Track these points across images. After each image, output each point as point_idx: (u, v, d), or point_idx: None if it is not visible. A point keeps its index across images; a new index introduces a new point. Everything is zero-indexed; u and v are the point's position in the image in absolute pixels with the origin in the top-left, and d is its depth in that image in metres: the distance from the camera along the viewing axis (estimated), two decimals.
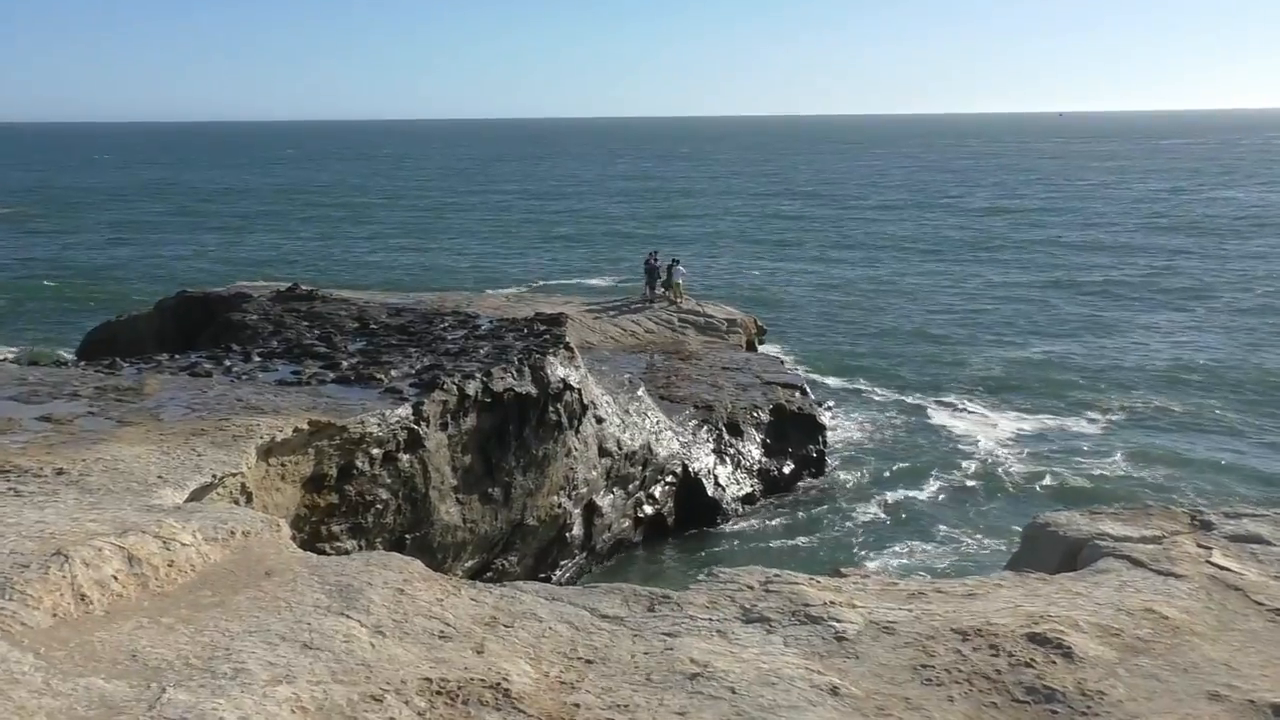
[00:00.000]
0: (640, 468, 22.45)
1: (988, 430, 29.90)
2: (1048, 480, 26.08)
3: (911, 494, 25.23)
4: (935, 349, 39.72)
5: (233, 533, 8.43)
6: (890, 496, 25.04)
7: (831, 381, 34.98)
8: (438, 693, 6.03)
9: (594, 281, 53.50)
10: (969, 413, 31.70)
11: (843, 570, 8.51)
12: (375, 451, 15.76)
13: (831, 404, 31.61)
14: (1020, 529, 10.52)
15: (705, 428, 25.00)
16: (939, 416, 31.29)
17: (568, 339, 21.47)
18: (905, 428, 30.19)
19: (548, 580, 18.80)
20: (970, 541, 22.51)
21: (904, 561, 21.46)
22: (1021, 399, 32.98)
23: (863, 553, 21.93)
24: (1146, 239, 68.20)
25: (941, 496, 25.14)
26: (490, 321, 23.85)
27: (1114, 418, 30.98)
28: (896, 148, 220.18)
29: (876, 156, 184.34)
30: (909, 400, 33.00)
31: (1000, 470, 26.76)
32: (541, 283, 51.86)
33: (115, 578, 7.33)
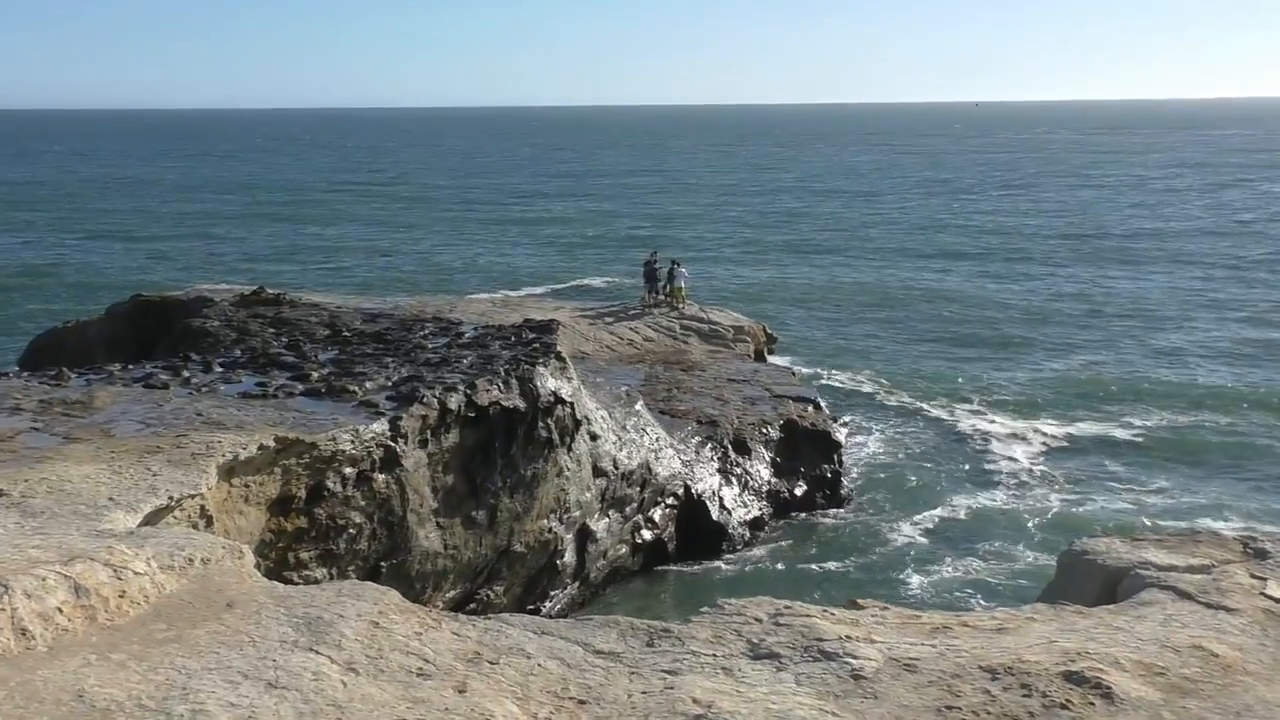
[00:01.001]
0: (638, 489, 22.41)
1: (1018, 446, 29.91)
2: (1084, 501, 26.05)
3: (935, 517, 25.20)
4: (960, 358, 39.80)
5: (191, 560, 8.41)
6: (911, 520, 25.00)
7: (848, 395, 35.02)
8: None
9: (588, 284, 53.58)
10: (997, 427, 31.73)
11: (860, 602, 8.49)
12: (348, 471, 15.74)
13: (848, 419, 31.63)
14: (1055, 556, 10.51)
15: (709, 445, 24.96)
16: (965, 431, 31.32)
17: (559, 348, 21.46)
18: (928, 444, 30.21)
19: (536, 612, 18.76)
20: (1000, 570, 22.46)
21: (927, 592, 21.42)
22: (1054, 411, 33.00)
23: (882, 582, 21.86)
24: (1194, 244, 68.34)
25: (968, 520, 25.11)
26: (474, 329, 23.85)
27: (1157, 432, 30.98)
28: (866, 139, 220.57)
29: (863, 149, 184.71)
30: (932, 414, 33.04)
31: (1032, 490, 26.74)
32: (527, 290, 51.80)
33: (60, 610, 7.29)
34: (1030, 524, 24.79)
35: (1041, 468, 28.20)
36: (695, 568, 22.85)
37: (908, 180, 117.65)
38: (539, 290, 50.20)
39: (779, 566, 22.81)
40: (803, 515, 25.26)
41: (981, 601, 20.37)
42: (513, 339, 22.11)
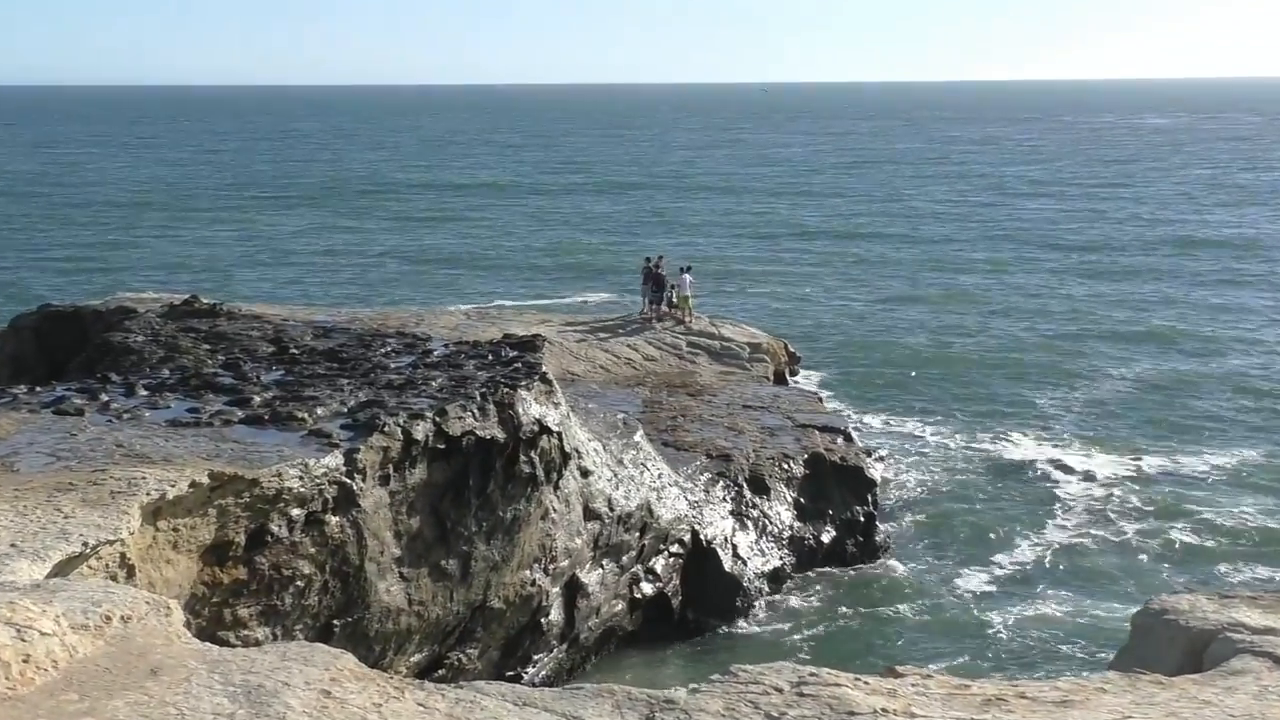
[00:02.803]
0: (637, 535, 22.37)
1: (1082, 482, 29.96)
2: (1163, 549, 26.05)
3: (986, 568, 25.16)
4: (1011, 377, 39.91)
5: (109, 618, 8.37)
6: (959, 571, 24.97)
7: (883, 422, 35.06)
8: None
9: (580, 296, 53.67)
10: (1055, 456, 31.82)
11: (898, 668, 8.45)
12: (295, 512, 15.72)
13: (884, 452, 31.65)
14: (1129, 615, 10.48)
15: (721, 484, 24.94)
16: (1019, 465, 31.38)
17: (545, 368, 21.47)
18: (977, 482, 30.23)
19: (517, 679, 18.67)
20: (1063, 631, 22.40)
21: (977, 657, 21.36)
22: (1122, 442, 33.09)
23: (923, 645, 21.81)
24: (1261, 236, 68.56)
25: (1025, 571, 25.07)
26: (445, 345, 23.87)
27: (1246, 467, 30.98)
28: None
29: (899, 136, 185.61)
30: (980, 444, 33.12)
31: (1100, 536, 26.72)
32: (499, 302, 51.86)
33: None
34: (1099, 576, 24.74)
35: (1110, 509, 28.20)
36: (704, 627, 22.76)
37: (936, 172, 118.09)
38: (521, 300, 50.32)
39: (802, 626, 22.74)
40: (831, 566, 25.20)
41: (1042, 669, 20.29)
42: (490, 358, 22.12)
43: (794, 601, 23.82)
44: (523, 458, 19.33)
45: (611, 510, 21.69)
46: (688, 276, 35.63)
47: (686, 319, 35.07)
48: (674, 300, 35.45)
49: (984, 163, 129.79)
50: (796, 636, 22.25)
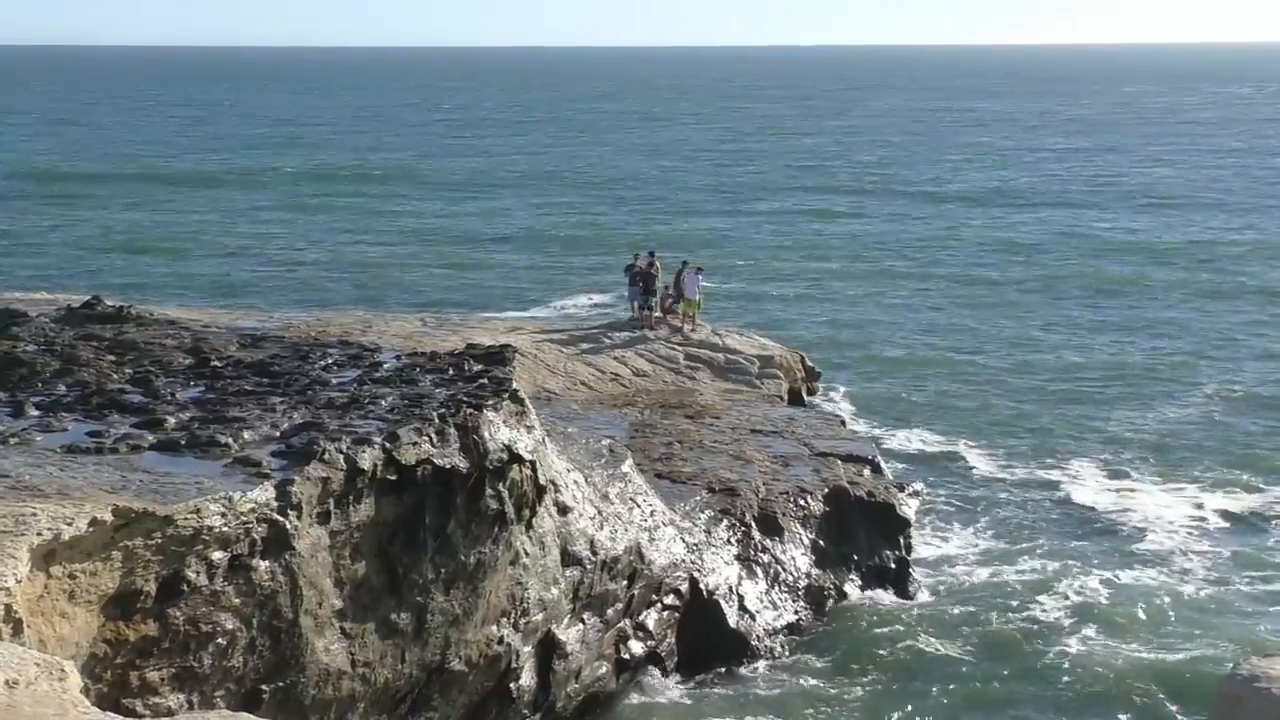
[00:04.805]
0: (625, 584, 22.30)
1: (1155, 521, 30.00)
2: (1253, 603, 26.05)
3: (1040, 621, 25.12)
4: (1069, 399, 39.94)
5: None
6: (1007, 625, 24.92)
7: (918, 451, 35.07)
8: None
9: (559, 300, 53.70)
10: (1122, 490, 31.85)
11: None
12: (217, 556, 15.63)
13: (919, 486, 31.61)
14: (1214, 677, 10.48)
15: (725, 523, 24.88)
16: (1081, 501, 31.39)
17: (516, 385, 21.43)
18: (1030, 520, 30.22)
19: None
20: (1136, 699, 22.40)
21: None
22: (1205, 474, 33.14)
23: (966, 716, 21.76)
24: None
25: (1086, 626, 25.02)
26: (397, 357, 23.81)
27: None
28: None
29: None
30: (1031, 473, 33.11)
31: (1176, 585, 26.73)
32: (461, 306, 51.94)
33: None
34: (1176, 633, 24.71)
35: (1190, 553, 28.23)
36: (705, 690, 22.69)
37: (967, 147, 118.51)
38: (488, 304, 50.34)
39: (822, 690, 22.67)
40: (856, 619, 25.12)
41: None
42: (450, 372, 22.05)
43: (811, 659, 23.68)
44: (489, 491, 19.26)
45: (594, 554, 21.61)
46: (699, 276, 35.43)
47: (687, 326, 34.97)
48: (674, 304, 35.18)
49: (1019, 144, 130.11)
50: (813, 701, 22.15)
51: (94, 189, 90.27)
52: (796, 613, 24.61)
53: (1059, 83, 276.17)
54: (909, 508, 28.20)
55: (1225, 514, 30.37)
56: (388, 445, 17.95)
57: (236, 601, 15.99)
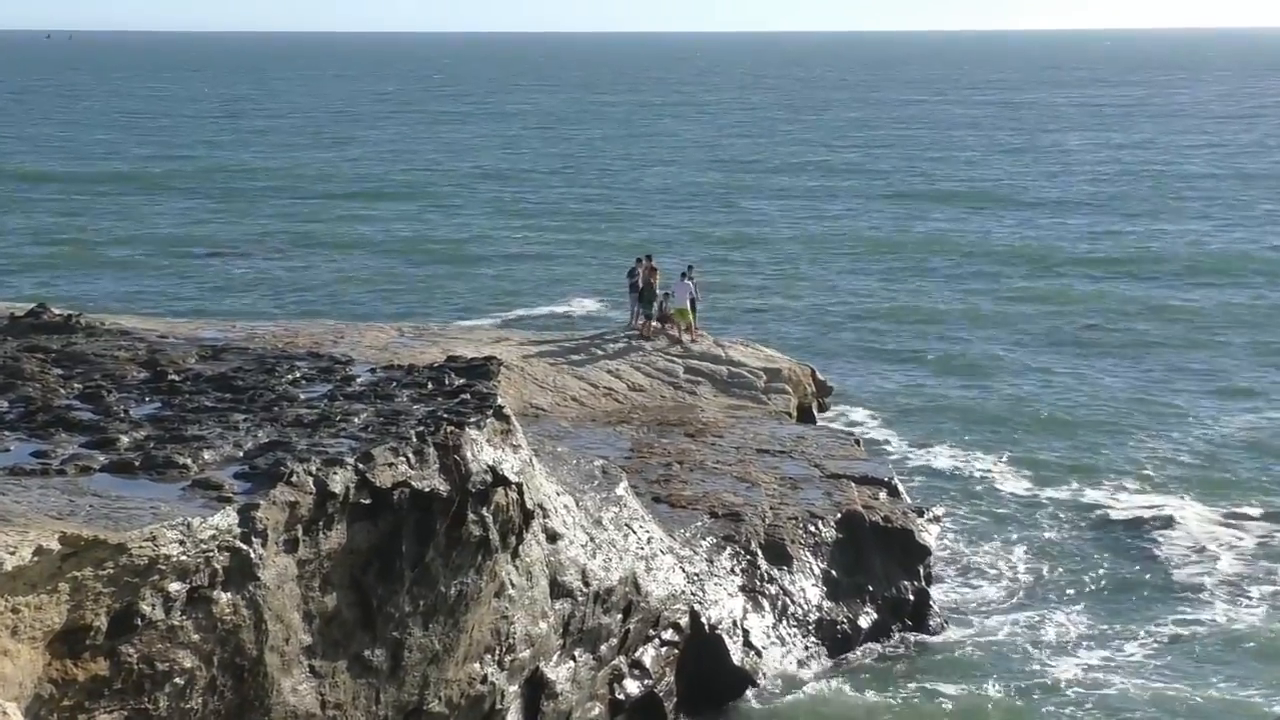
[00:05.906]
0: (620, 617, 22.29)
1: (1206, 547, 30.06)
2: None
3: (1076, 660, 25.11)
4: (1106, 416, 39.94)
5: None
6: (1040, 664, 24.91)
7: (939, 472, 35.14)
8: None
9: (547, 307, 53.70)
10: (1162, 514, 31.83)
11: None
12: (174, 588, 15.59)
13: (940, 511, 31.67)
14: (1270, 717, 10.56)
15: (729, 551, 24.87)
16: (1121, 525, 31.45)
17: (501, 401, 21.44)
18: (1063, 548, 30.26)
19: None
20: None
21: None
22: (1245, 490, 33.34)
23: None
24: None
25: (1124, 662, 25.05)
26: (371, 371, 23.80)
27: None
28: None
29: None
30: (1064, 495, 33.21)
31: (1220, 615, 26.83)
32: (441, 315, 51.94)
33: None
34: (1223, 672, 24.69)
35: (1235, 584, 28.25)
36: None
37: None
38: (472, 312, 50.34)
39: None
40: (872, 655, 25.16)
41: None
42: (429, 386, 22.04)
43: (823, 700, 23.60)
44: (471, 517, 19.25)
45: (586, 585, 21.62)
46: (688, 281, 35.36)
47: (684, 336, 34.99)
48: (668, 312, 35.21)
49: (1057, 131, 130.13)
50: None
51: (30, 190, 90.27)
52: (807, 649, 24.61)
53: (1072, 70, 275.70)
54: (929, 534, 28.19)
55: (1271, 541, 30.40)
56: (361, 466, 17.93)
57: (196, 637, 15.97)
